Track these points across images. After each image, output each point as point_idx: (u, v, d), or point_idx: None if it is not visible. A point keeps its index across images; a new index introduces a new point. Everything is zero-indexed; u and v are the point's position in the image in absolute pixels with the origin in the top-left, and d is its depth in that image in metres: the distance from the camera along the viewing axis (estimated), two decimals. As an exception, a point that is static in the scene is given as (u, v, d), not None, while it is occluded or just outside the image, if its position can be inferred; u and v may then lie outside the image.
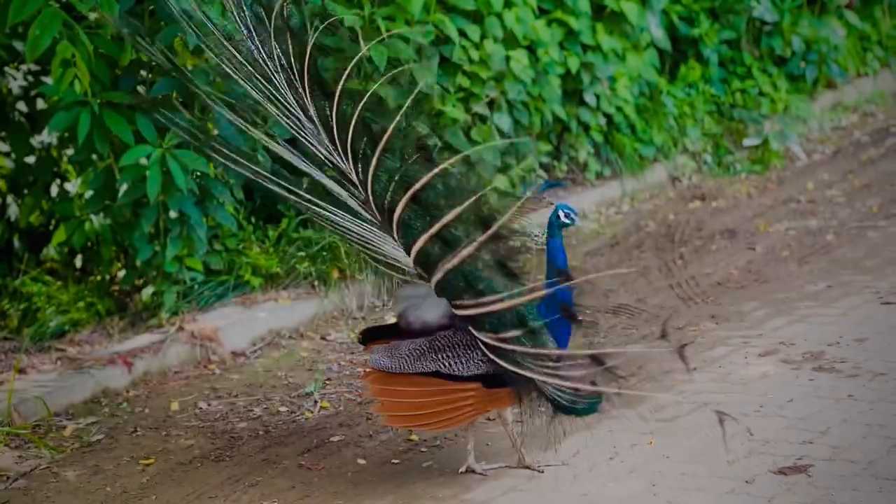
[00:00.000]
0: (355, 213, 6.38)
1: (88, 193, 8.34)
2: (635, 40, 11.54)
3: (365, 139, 6.29)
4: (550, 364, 6.15)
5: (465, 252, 6.11)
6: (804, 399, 7.09)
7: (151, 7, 7.70)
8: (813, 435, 6.66)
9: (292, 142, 6.44)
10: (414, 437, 6.96)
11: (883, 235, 9.94)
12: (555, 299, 6.20)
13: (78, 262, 8.95)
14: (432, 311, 6.37)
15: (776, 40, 12.75)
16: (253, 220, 9.06)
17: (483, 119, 10.27)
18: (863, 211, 10.61)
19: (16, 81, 8.83)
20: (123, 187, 8.00)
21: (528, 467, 6.56)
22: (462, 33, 10.02)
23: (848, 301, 8.56)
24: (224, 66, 6.41)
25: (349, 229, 6.42)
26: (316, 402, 7.48)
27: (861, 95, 13.81)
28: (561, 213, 6.38)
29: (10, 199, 9.10)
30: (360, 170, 6.30)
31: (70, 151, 8.58)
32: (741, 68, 12.61)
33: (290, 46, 6.38)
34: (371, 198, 6.26)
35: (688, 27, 12.24)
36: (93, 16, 7.71)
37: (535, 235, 6.35)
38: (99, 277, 8.67)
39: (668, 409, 7.08)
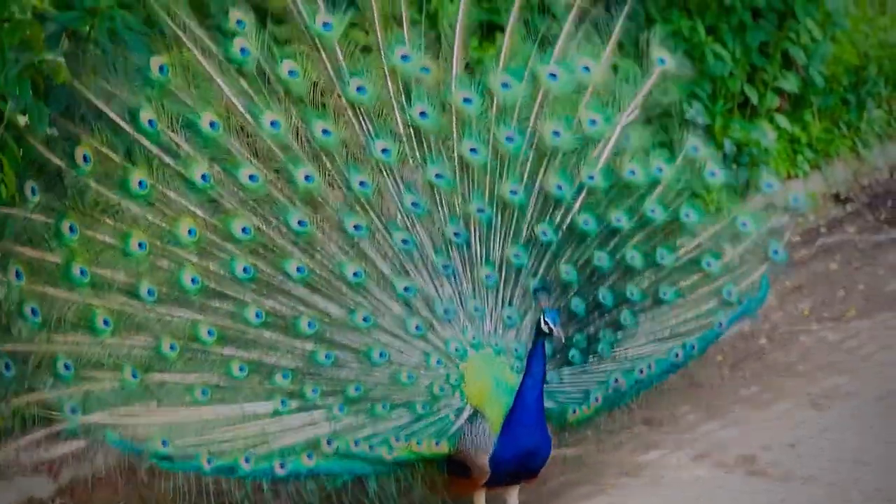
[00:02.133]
0: None
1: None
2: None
3: None
4: None
5: None
6: (736, 504, 7.09)
7: (82, 112, 7.65)
8: (745, 541, 6.65)
9: None
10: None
11: (814, 339, 9.97)
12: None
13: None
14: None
15: (708, 143, 12.85)
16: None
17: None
18: (795, 314, 10.65)
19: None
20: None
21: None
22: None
23: (780, 405, 8.58)
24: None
25: None
26: (248, 510, 7.35)
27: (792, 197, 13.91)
28: (541, 320, 6.34)
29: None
30: None
31: (-1, 255, 8.47)
32: (674, 170, 12.69)
33: None
34: None
35: (621, 130, 12.32)
36: (22, 120, 7.66)
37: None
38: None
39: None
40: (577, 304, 7.02)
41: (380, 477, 6.58)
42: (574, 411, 6.81)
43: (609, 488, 7.38)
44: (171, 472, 6.31)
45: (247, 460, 6.24)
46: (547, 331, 6.30)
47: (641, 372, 6.98)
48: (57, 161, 6.42)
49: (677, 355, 7.07)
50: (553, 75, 6.99)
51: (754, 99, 13.45)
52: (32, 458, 6.80)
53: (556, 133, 6.96)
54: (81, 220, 6.35)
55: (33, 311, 6.24)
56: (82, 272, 6.29)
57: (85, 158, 6.40)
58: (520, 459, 6.45)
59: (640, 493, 7.28)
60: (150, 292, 6.35)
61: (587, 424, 7.08)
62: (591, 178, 7.04)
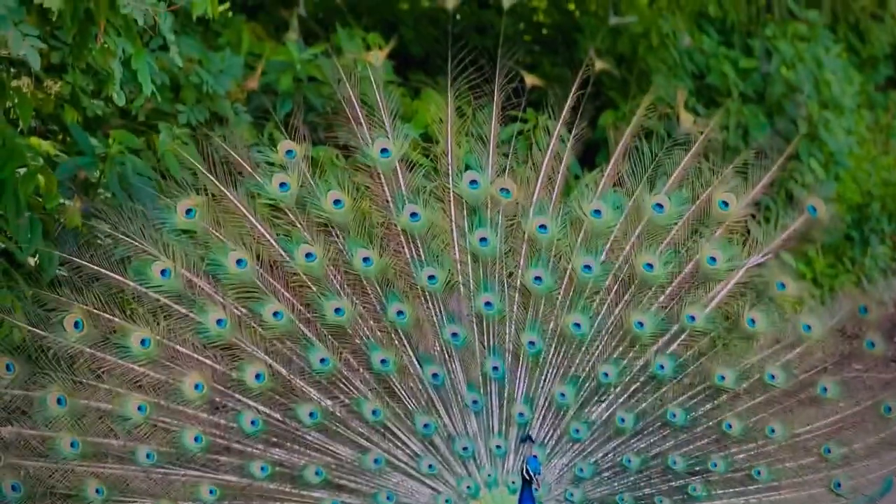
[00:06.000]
0: None
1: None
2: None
3: None
4: None
5: None
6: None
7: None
8: None
9: None
10: None
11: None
12: None
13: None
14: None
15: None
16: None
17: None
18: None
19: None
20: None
21: None
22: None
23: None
24: None
25: None
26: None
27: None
28: (524, 468, 6.11)
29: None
30: None
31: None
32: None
33: None
34: None
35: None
36: (32, 261, 7.70)
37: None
38: None
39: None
40: (631, 459, 6.54)
41: None
42: None
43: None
44: None
45: None
46: (528, 479, 6.09)
47: None
48: (42, 332, 6.20)
49: None
50: (659, 206, 6.55)
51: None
52: None
53: (650, 266, 6.48)
54: (71, 389, 6.14)
55: (14, 488, 6.03)
56: (73, 444, 6.10)
57: (76, 325, 6.17)
58: None
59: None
60: (148, 456, 6.15)
61: None
62: (692, 318, 6.53)
